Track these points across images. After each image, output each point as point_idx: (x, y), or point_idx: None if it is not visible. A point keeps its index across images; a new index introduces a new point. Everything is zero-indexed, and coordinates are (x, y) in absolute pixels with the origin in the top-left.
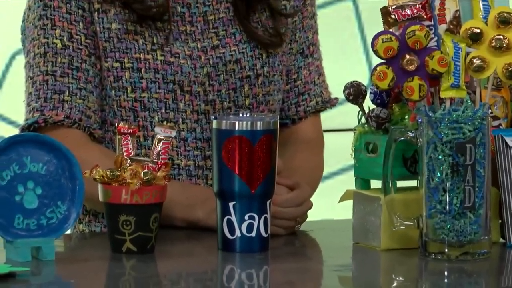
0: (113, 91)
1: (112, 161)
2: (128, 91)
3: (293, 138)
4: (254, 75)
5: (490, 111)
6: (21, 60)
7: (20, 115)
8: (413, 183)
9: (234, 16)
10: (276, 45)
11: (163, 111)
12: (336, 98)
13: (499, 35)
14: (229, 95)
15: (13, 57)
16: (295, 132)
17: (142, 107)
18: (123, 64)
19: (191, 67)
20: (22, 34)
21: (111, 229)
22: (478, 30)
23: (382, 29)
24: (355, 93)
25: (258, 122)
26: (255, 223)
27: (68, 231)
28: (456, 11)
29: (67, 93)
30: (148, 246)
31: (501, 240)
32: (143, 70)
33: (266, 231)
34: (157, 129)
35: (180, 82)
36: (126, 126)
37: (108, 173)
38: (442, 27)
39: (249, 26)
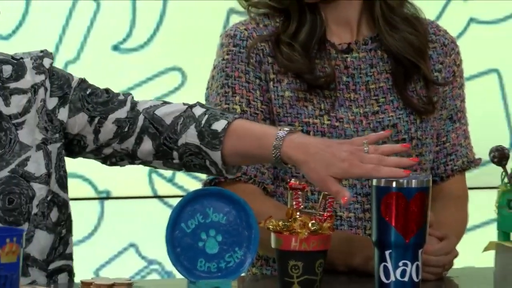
0: None
1: (283, 213)
2: None
3: (441, 194)
4: (409, 138)
5: None
6: None
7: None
8: None
9: (393, 85)
10: (429, 112)
11: None
12: (480, 159)
13: None
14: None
15: None
16: (444, 188)
17: None
18: (294, 128)
19: (354, 130)
20: (206, 100)
21: (281, 272)
22: None
23: None
24: (500, 156)
25: (413, 180)
26: (408, 269)
27: (243, 274)
28: None
29: None
30: None
31: None
32: (311, 133)
33: (417, 277)
34: None
35: None
36: (297, 182)
37: (280, 223)
38: None
39: (406, 94)
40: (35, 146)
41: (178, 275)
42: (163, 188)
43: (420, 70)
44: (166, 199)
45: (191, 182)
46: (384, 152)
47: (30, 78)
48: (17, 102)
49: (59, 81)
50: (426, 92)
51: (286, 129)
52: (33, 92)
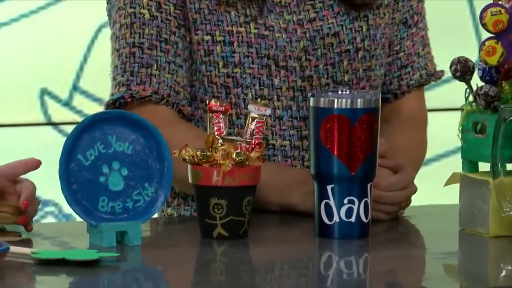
0: (203, 66)
1: (202, 141)
2: (220, 66)
3: (394, 115)
4: (354, 49)
5: None
6: (107, 33)
7: (106, 92)
8: None
9: None
10: (366, 4)
11: (257, 87)
12: (442, 71)
13: None
14: (327, 70)
15: (99, 30)
16: (397, 108)
17: (235, 83)
18: (214, 37)
19: (287, 41)
20: (108, 3)
21: (201, 213)
22: None
23: (491, 1)
24: (462, 69)
25: (359, 99)
26: (355, 208)
27: (156, 215)
28: None
29: (155, 66)
30: (240, 231)
31: None
32: (235, 43)
33: (366, 216)
34: (250, 107)
35: (275, 57)
36: (218, 104)
37: (198, 153)
38: None
39: None
40: None
41: (78, 218)
42: (58, 113)
43: None
44: (61, 126)
45: (92, 106)
46: None
47: None
48: None
49: None
50: None
51: None
52: None
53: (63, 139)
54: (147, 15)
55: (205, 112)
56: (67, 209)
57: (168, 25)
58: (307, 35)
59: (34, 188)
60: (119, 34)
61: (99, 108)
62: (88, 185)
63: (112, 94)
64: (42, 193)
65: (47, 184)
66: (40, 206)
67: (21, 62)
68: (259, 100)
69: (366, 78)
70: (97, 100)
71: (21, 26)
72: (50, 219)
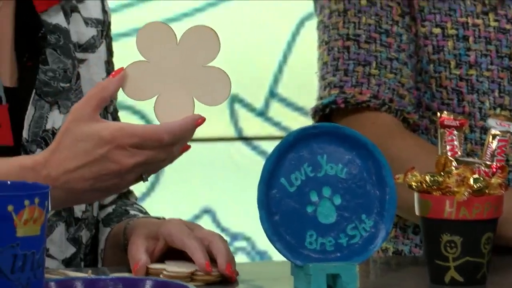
0: (431, 65)
1: (431, 158)
2: (451, 66)
3: None
4: None
5: None
6: (311, 26)
7: (309, 99)
8: None
9: None
10: None
11: (496, 94)
12: None
13: None
14: None
15: (301, 23)
16: None
17: (469, 88)
18: (445, 31)
19: None
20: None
21: (430, 252)
22: None
23: None
24: None
25: None
26: None
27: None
28: None
29: (374, 64)
30: (478, 276)
31: None
32: (470, 39)
33: None
34: (490, 121)
35: None
36: (451, 117)
37: (427, 178)
38: None
39: None
40: None
41: (277, 256)
42: (251, 125)
43: None
44: (255, 142)
45: (293, 117)
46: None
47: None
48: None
49: None
50: None
51: None
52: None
53: (257, 157)
54: (364, 1)
55: (431, 123)
56: (262, 244)
57: (389, 13)
58: None
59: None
60: (328, 23)
61: (301, 119)
62: (293, 216)
63: (321, 98)
64: (230, 224)
65: (237, 213)
66: (228, 241)
67: None
68: (499, 111)
69: None
70: (298, 109)
71: (204, 19)
72: (241, 257)
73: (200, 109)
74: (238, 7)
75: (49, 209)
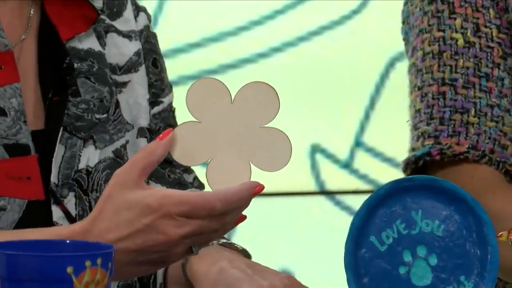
0: None
1: None
2: None
3: None
4: None
5: None
6: (402, 67)
7: (400, 149)
8: None
9: None
10: None
11: None
12: None
13: None
14: None
15: (391, 64)
16: None
17: None
18: None
19: None
20: (403, 23)
21: None
22: None
23: None
24: None
25: None
26: None
27: None
28: None
29: (473, 112)
30: None
31: None
32: None
33: None
34: None
35: None
36: None
37: None
38: None
39: None
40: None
41: None
42: (334, 178)
43: None
44: (339, 197)
45: (381, 168)
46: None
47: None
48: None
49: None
50: None
51: None
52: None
53: (341, 213)
54: (461, 41)
55: None
56: None
57: (489, 54)
58: None
59: None
60: (422, 66)
61: (390, 171)
62: (384, 278)
63: (414, 149)
64: (314, 285)
65: (319, 275)
66: None
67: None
68: None
69: None
70: (387, 160)
71: (284, 60)
72: None
73: None
74: (320, 46)
75: (113, 271)
